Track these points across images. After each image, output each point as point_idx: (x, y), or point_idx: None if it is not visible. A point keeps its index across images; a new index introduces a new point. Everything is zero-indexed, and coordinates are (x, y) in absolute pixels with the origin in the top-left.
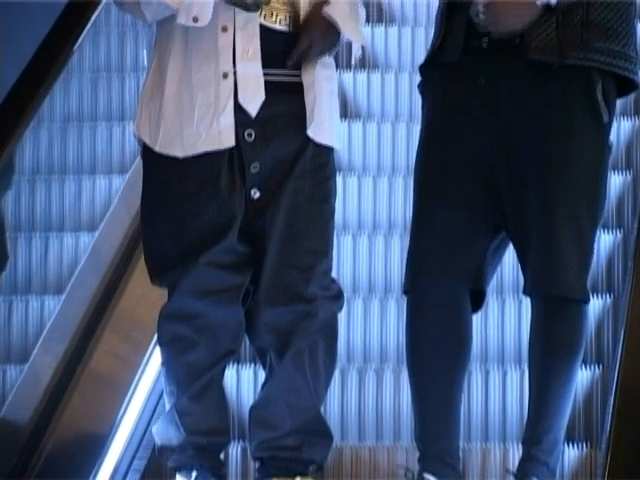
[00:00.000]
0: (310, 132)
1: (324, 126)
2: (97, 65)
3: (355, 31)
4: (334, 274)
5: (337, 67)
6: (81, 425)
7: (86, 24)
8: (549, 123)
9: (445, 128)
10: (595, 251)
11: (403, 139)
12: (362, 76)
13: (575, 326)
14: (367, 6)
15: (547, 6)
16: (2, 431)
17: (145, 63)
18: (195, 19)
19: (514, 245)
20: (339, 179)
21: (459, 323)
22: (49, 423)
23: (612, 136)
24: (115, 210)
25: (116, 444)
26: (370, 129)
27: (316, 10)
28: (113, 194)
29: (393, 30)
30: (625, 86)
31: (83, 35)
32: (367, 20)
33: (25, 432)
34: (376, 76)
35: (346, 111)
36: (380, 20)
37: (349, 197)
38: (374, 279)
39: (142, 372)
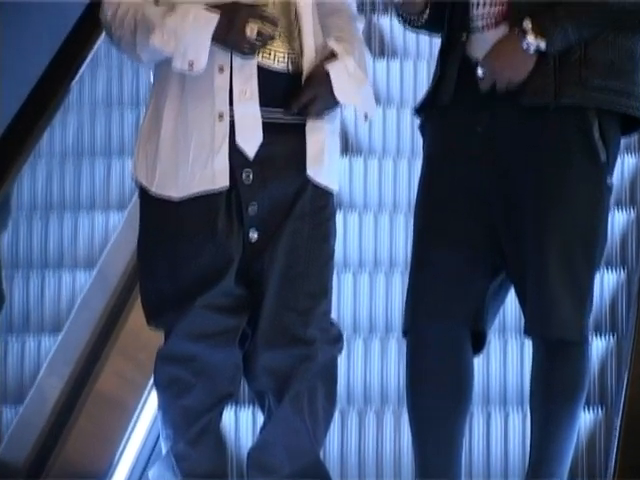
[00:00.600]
0: (310, 172)
1: (324, 168)
2: (96, 99)
3: (356, 96)
4: (334, 313)
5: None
6: (88, 446)
7: (85, 58)
8: (545, 163)
9: (444, 168)
10: (598, 290)
11: (405, 175)
12: None
13: (576, 369)
14: (369, 40)
15: (540, 52)
16: (10, 450)
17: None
18: (191, 64)
19: (514, 286)
20: (339, 216)
21: (459, 365)
22: (56, 444)
23: (616, 173)
24: (121, 233)
25: (122, 466)
26: (371, 165)
27: (321, 70)
28: (111, 230)
29: (395, 64)
30: (632, 123)
31: (82, 70)
32: (369, 54)
33: (32, 453)
34: (377, 111)
35: (347, 147)
36: (382, 54)
37: (350, 234)
38: (375, 318)
39: (148, 394)
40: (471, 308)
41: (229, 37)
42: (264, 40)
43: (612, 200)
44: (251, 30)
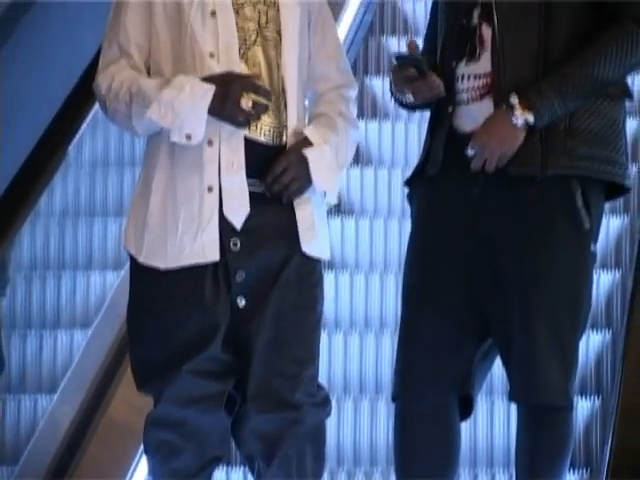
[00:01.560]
0: (305, 248)
1: (315, 239)
2: (95, 158)
3: (331, 182)
4: (325, 372)
5: None
6: (99, 470)
7: (84, 119)
8: (530, 231)
9: (431, 237)
10: (584, 351)
11: (395, 235)
12: (355, 172)
13: (561, 434)
14: (361, 101)
15: (528, 125)
16: (24, 474)
17: None
18: (188, 137)
19: (499, 351)
20: (331, 276)
21: (447, 432)
22: (68, 468)
23: (601, 234)
24: None
25: None
26: (363, 225)
27: (298, 146)
28: (107, 290)
29: (387, 125)
30: (616, 189)
31: (81, 131)
32: (361, 115)
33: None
34: (369, 172)
35: (339, 207)
36: (374, 115)
37: (341, 294)
38: (365, 378)
39: None
40: (459, 374)
41: (224, 109)
42: (259, 111)
43: (598, 261)
44: (246, 102)
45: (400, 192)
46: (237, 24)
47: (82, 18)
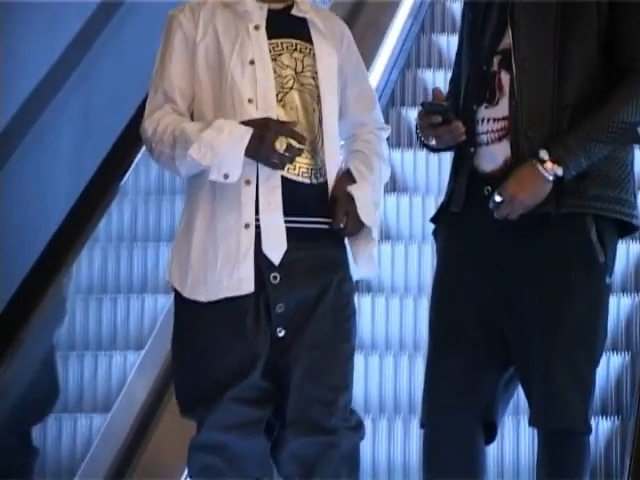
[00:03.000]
0: (358, 274)
1: (370, 258)
2: (149, 187)
3: (373, 217)
4: (361, 393)
5: None
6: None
7: (138, 152)
8: (547, 267)
9: (453, 274)
10: (604, 373)
11: (429, 260)
12: (392, 199)
13: (578, 457)
14: (398, 131)
15: (557, 178)
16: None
17: None
18: (226, 176)
19: (520, 380)
20: (368, 299)
21: (473, 455)
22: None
23: (621, 259)
24: None
25: None
26: (398, 250)
27: (342, 184)
28: (159, 313)
29: (421, 155)
30: (628, 227)
31: (136, 161)
32: (398, 145)
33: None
34: (405, 199)
35: None
36: (410, 145)
37: (377, 317)
38: (399, 398)
39: None
40: (482, 402)
41: (261, 151)
42: (292, 154)
43: (618, 285)
44: (280, 144)
45: None
46: (275, 71)
47: None
